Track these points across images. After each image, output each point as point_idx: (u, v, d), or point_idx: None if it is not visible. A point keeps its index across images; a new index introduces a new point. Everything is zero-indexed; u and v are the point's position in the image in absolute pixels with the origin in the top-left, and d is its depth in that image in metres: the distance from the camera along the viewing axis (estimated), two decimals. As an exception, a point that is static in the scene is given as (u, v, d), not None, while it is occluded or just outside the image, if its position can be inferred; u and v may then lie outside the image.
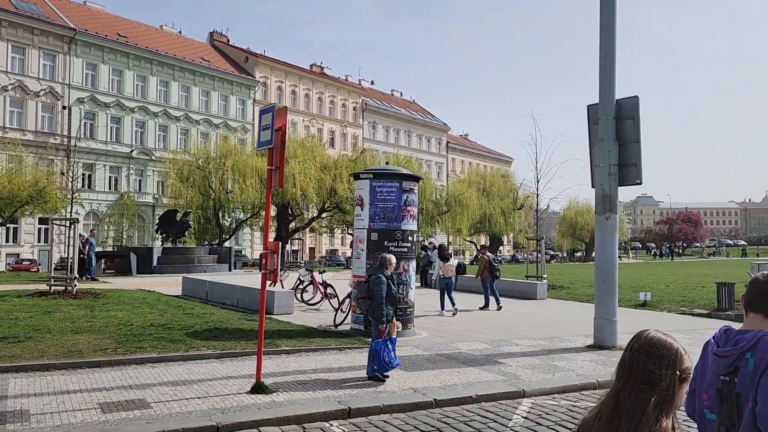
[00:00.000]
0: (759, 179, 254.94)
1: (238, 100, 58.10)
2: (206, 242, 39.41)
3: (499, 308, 16.48)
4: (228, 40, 64.71)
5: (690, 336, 12.19)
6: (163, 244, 31.95)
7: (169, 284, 20.13)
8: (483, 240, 65.08)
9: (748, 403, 2.23)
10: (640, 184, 11.10)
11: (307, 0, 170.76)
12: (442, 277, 15.78)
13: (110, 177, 48.91)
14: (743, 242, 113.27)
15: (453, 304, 15.44)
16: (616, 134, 11.01)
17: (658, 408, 1.70)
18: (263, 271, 7.63)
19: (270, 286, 13.57)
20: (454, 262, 16.08)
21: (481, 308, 16.58)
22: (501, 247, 69.97)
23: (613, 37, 11.28)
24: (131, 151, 49.84)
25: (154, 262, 28.66)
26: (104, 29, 49.56)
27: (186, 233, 33.12)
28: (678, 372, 1.80)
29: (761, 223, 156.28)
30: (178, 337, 10.33)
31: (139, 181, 50.89)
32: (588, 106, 11.80)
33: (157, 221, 34.40)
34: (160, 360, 8.86)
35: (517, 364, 9.28)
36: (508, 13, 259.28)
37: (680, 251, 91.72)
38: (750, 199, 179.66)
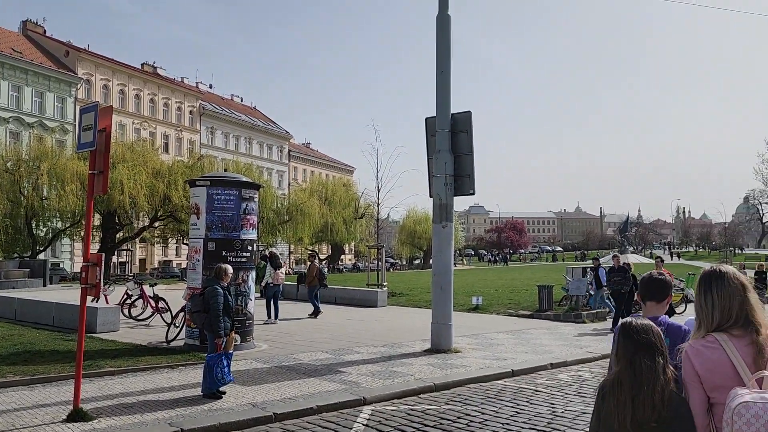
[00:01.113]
0: (572, 191, 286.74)
1: (57, 97, 52.76)
2: (16, 255, 35.46)
3: (313, 315, 16.78)
4: (45, 31, 58.60)
5: (515, 336, 12.96)
6: (-39, 258, 28.08)
7: (-32, 303, 17.57)
8: (325, 249, 65.53)
9: None
10: (473, 194, 11.78)
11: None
12: (271, 284, 15.82)
13: None
14: (560, 248, 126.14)
15: (276, 315, 15.55)
16: (451, 146, 11.58)
17: (663, 365, 2.39)
18: (83, 286, 6.89)
19: (91, 301, 12.48)
20: (283, 271, 16.24)
21: (316, 316, 16.72)
22: (343, 256, 70.93)
23: (448, 55, 11.90)
24: None
25: (-51, 278, 25.07)
26: None
27: (-9, 245, 29.51)
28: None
29: (574, 231, 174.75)
30: (-24, 364, 9.00)
31: (-69, 184, 44.13)
32: (426, 119, 12.31)
33: (-47, 231, 30.23)
34: (-49, 392, 7.63)
35: (358, 372, 9.32)
36: (349, 24, 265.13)
37: (509, 257, 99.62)
38: (565, 209, 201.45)
